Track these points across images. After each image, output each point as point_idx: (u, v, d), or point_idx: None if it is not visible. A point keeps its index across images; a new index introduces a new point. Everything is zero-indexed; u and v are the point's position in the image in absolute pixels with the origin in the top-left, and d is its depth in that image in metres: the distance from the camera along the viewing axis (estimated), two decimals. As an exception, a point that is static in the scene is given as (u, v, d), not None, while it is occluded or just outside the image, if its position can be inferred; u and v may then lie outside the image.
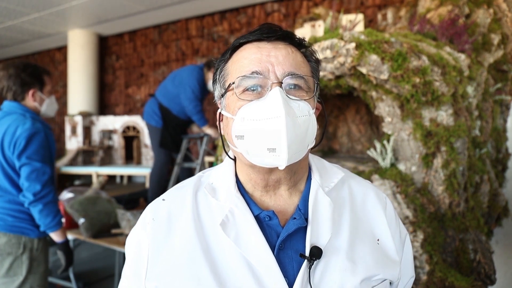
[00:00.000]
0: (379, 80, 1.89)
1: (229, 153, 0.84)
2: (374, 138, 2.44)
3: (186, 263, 0.70)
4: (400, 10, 3.23)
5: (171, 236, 0.74)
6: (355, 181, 0.87)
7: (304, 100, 0.72)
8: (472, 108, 2.15)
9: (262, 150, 0.69)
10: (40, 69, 1.96)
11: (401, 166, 1.95)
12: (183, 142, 3.58)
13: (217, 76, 0.80)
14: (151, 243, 0.74)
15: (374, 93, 2.00)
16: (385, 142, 2.00)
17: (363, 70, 1.90)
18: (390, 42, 1.90)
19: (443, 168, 1.84)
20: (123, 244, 2.56)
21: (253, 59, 0.72)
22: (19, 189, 1.82)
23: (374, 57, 1.86)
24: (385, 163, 1.99)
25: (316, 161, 0.85)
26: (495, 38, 2.50)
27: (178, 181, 3.63)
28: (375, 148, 2.06)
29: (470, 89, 2.12)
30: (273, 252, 0.70)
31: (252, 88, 0.71)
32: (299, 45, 0.78)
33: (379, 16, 3.46)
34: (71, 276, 2.99)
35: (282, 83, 0.70)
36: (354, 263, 0.72)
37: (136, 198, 3.78)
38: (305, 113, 0.71)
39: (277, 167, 0.70)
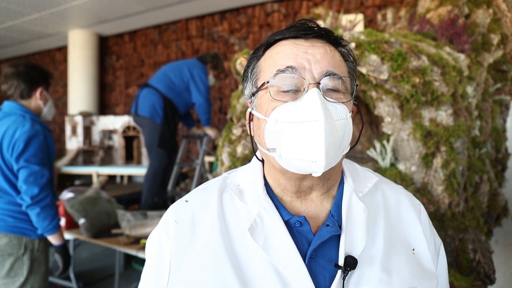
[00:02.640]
0: (379, 80, 1.90)
1: (256, 154, 0.79)
2: (374, 138, 2.44)
3: (211, 268, 0.67)
4: (400, 10, 3.23)
5: (195, 240, 0.70)
6: (388, 186, 0.82)
7: (342, 102, 0.68)
8: (472, 108, 2.15)
9: (297, 155, 0.65)
10: (46, 70, 2.00)
11: (401, 166, 1.95)
12: (183, 142, 3.57)
13: (249, 74, 0.76)
14: (174, 246, 0.70)
15: (373, 93, 2.00)
16: (384, 142, 2.00)
17: (363, 70, 1.90)
18: (390, 42, 1.91)
19: (442, 168, 1.84)
20: (123, 244, 2.57)
21: (288, 53, 0.68)
22: (18, 190, 1.82)
23: (374, 57, 1.86)
24: (384, 163, 1.99)
25: (348, 165, 0.81)
26: (495, 38, 2.51)
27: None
28: (374, 148, 2.06)
29: (469, 89, 2.12)
30: (304, 261, 0.66)
31: (287, 89, 0.67)
32: (337, 43, 0.73)
33: (379, 16, 3.47)
34: (71, 276, 2.99)
35: (319, 83, 0.66)
36: (390, 274, 0.68)
37: (137, 198, 3.77)
38: (342, 116, 0.66)
39: (311, 173, 0.66)
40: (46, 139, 1.86)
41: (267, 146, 0.70)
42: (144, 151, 5.36)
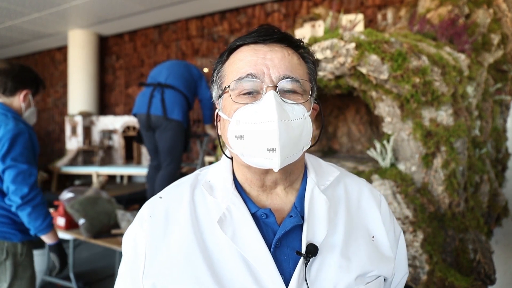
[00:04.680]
0: (379, 80, 1.90)
1: (226, 152, 0.84)
2: (374, 138, 2.44)
3: (183, 260, 0.71)
4: (400, 10, 3.23)
5: (168, 234, 0.74)
6: (350, 179, 0.88)
7: (299, 103, 0.72)
8: (472, 108, 2.15)
9: (256, 153, 0.70)
10: (40, 79, 1.95)
11: (401, 166, 1.95)
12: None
13: (215, 77, 0.81)
14: (149, 240, 0.74)
15: (374, 93, 2.00)
16: (385, 142, 2.00)
17: (363, 70, 1.90)
18: (390, 42, 1.90)
19: (443, 168, 1.84)
20: (123, 244, 2.56)
21: (248, 61, 0.73)
22: (1, 192, 1.74)
23: (374, 57, 1.86)
24: (385, 163, 1.99)
25: (312, 160, 0.86)
26: (495, 38, 2.50)
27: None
28: (375, 148, 2.06)
29: (470, 89, 2.12)
30: (270, 250, 0.71)
31: (247, 92, 0.72)
32: (297, 46, 0.78)
33: (379, 16, 3.47)
34: (71, 276, 2.99)
35: (277, 86, 0.71)
36: (349, 260, 0.74)
37: (137, 198, 3.77)
38: (300, 116, 0.71)
39: (272, 169, 0.71)
40: (31, 137, 1.79)
41: (231, 145, 0.75)
42: (144, 151, 5.35)
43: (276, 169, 0.70)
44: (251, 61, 0.72)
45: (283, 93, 0.72)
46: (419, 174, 1.89)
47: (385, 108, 1.98)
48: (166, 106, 3.14)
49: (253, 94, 0.72)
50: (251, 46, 0.75)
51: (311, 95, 0.77)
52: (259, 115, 0.69)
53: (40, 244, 3.13)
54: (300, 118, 0.71)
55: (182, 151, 3.31)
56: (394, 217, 0.89)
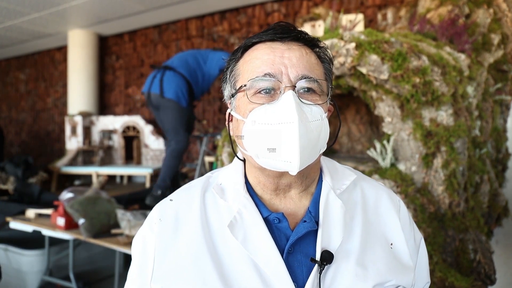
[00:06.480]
0: (379, 80, 1.89)
1: (238, 154, 0.82)
2: (374, 138, 2.43)
3: (192, 264, 0.69)
4: (400, 10, 3.23)
5: (178, 237, 0.72)
6: (367, 183, 0.84)
7: (317, 104, 0.70)
8: (472, 108, 2.15)
9: (273, 155, 0.67)
10: None
11: (401, 166, 1.95)
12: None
13: (228, 76, 0.78)
14: (158, 243, 0.72)
15: (374, 93, 2.00)
16: (385, 142, 2.00)
17: (363, 70, 1.90)
18: (390, 42, 1.90)
19: (443, 168, 1.84)
20: (123, 244, 2.56)
21: (265, 60, 0.70)
22: None
23: (374, 57, 1.86)
24: (385, 163, 1.99)
25: (328, 163, 0.83)
26: (495, 38, 2.50)
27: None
28: (375, 148, 2.06)
29: (470, 89, 2.12)
30: (282, 256, 0.68)
31: (264, 91, 0.69)
32: (313, 45, 0.76)
33: (379, 16, 3.47)
34: (71, 276, 2.99)
35: (295, 86, 0.68)
36: (366, 268, 0.70)
37: (136, 198, 3.76)
38: (318, 117, 0.69)
39: (287, 172, 0.69)
40: None
41: (244, 146, 0.72)
42: (143, 151, 5.35)
43: (294, 173, 0.67)
44: (268, 60, 0.70)
45: (301, 93, 0.69)
46: (419, 174, 1.89)
47: (385, 108, 1.98)
48: (163, 85, 3.31)
49: (270, 93, 0.69)
50: (268, 44, 0.72)
51: (328, 96, 0.74)
52: (276, 116, 0.66)
53: (40, 244, 3.13)
54: (318, 120, 0.69)
55: (186, 130, 3.40)
56: (414, 223, 0.85)
